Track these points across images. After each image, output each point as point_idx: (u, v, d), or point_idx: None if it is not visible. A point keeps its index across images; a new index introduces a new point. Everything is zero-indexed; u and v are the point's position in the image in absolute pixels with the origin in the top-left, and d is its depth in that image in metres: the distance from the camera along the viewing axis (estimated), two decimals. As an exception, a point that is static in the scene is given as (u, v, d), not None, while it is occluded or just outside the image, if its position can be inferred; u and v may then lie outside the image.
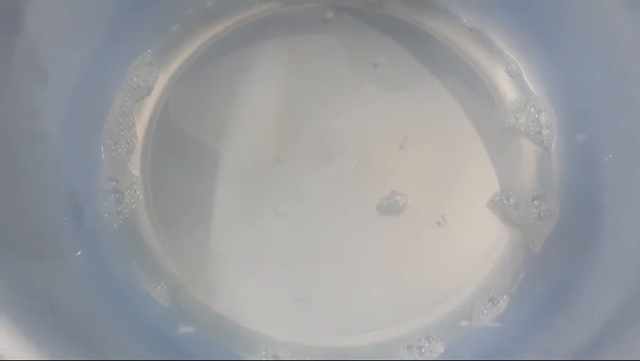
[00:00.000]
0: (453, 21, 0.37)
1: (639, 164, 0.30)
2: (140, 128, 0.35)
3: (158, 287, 0.33)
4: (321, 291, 0.33)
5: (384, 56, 0.37)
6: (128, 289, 0.32)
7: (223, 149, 0.35)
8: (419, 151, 0.35)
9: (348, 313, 0.33)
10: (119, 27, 0.34)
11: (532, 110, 0.36)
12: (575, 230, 0.32)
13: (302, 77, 0.37)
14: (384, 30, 0.37)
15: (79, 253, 0.30)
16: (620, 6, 0.30)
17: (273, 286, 0.33)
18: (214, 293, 0.33)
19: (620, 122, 0.31)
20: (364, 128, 0.36)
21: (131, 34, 0.35)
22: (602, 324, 0.26)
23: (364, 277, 0.33)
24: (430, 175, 0.35)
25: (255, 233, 0.34)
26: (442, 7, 0.37)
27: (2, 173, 0.27)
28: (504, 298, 0.33)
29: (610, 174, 0.31)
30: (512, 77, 0.37)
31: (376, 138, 0.35)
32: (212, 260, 0.33)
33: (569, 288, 0.30)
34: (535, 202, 0.34)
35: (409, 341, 0.32)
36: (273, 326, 0.32)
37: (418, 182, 0.35)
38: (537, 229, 0.34)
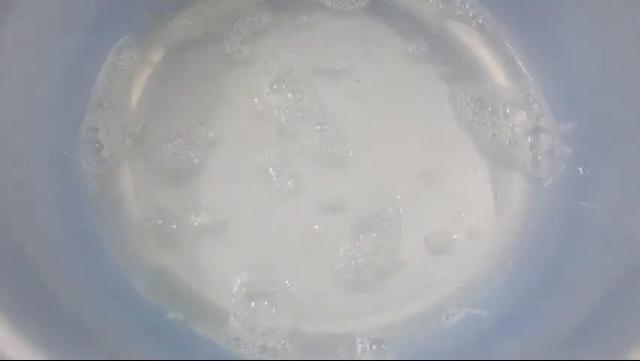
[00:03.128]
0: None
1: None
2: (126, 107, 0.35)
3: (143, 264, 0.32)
4: (315, 277, 0.33)
5: (374, 41, 0.37)
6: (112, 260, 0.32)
7: (206, 126, 0.35)
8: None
9: (337, 299, 0.32)
10: (100, 10, 0.33)
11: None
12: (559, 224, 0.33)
13: (288, 56, 0.37)
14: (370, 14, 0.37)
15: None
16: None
17: (260, 269, 0.33)
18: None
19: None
20: (355, 111, 0.36)
21: (111, 17, 0.34)
22: (585, 312, 0.26)
23: (352, 261, 0.33)
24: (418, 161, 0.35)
25: (239, 215, 0.34)
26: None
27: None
28: (492, 285, 0.33)
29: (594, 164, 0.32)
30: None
31: (368, 121, 0.36)
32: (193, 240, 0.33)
33: (553, 276, 0.30)
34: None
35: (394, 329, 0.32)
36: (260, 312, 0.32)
37: (406, 170, 0.35)
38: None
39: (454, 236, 0.34)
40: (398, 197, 0.34)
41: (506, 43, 0.37)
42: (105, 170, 0.33)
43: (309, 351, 0.31)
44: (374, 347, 0.31)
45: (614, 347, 0.24)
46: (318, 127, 0.35)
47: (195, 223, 0.33)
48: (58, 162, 0.31)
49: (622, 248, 0.28)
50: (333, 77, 0.36)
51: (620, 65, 0.31)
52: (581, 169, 0.33)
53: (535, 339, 0.28)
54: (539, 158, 0.35)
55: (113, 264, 0.31)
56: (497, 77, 0.37)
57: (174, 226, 0.33)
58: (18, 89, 0.29)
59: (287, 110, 0.35)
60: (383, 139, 0.35)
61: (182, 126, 0.35)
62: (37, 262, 0.25)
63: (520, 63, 0.37)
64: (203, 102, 0.36)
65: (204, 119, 0.35)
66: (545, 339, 0.27)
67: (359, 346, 0.31)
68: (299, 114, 0.35)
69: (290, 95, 0.36)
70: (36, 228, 0.28)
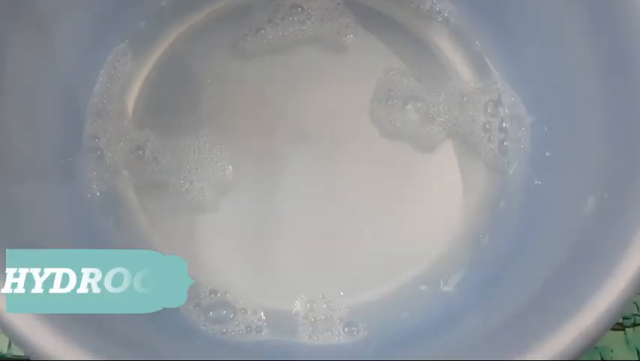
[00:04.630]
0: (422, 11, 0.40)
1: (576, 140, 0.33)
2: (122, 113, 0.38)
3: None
4: (297, 262, 0.36)
5: (352, 39, 0.40)
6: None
7: (199, 132, 0.38)
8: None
9: (320, 280, 0.36)
10: (94, 20, 0.36)
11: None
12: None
13: (277, 62, 0.40)
14: (353, 14, 0.40)
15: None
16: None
17: (252, 258, 0.37)
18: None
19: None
20: (336, 109, 0.39)
21: (105, 26, 0.37)
22: (533, 296, 0.29)
23: (333, 247, 0.37)
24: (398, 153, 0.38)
25: (233, 206, 0.37)
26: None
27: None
28: (462, 266, 0.36)
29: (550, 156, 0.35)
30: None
31: (348, 118, 0.39)
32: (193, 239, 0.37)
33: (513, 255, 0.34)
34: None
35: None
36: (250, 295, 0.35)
37: (387, 160, 0.38)
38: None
39: (428, 219, 0.37)
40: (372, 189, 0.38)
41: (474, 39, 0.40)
42: (108, 174, 0.36)
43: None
44: (346, 329, 0.34)
45: (561, 317, 0.27)
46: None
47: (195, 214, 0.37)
48: (65, 168, 0.34)
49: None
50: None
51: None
52: (546, 153, 0.36)
53: (494, 314, 0.31)
54: (506, 144, 0.38)
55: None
56: (464, 73, 0.40)
57: (174, 219, 0.36)
58: (26, 103, 0.32)
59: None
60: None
61: (181, 131, 0.37)
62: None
63: (487, 59, 0.39)
64: (201, 106, 0.38)
65: (202, 123, 0.38)
66: (502, 314, 0.30)
67: (338, 326, 0.34)
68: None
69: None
70: (49, 227, 0.31)
